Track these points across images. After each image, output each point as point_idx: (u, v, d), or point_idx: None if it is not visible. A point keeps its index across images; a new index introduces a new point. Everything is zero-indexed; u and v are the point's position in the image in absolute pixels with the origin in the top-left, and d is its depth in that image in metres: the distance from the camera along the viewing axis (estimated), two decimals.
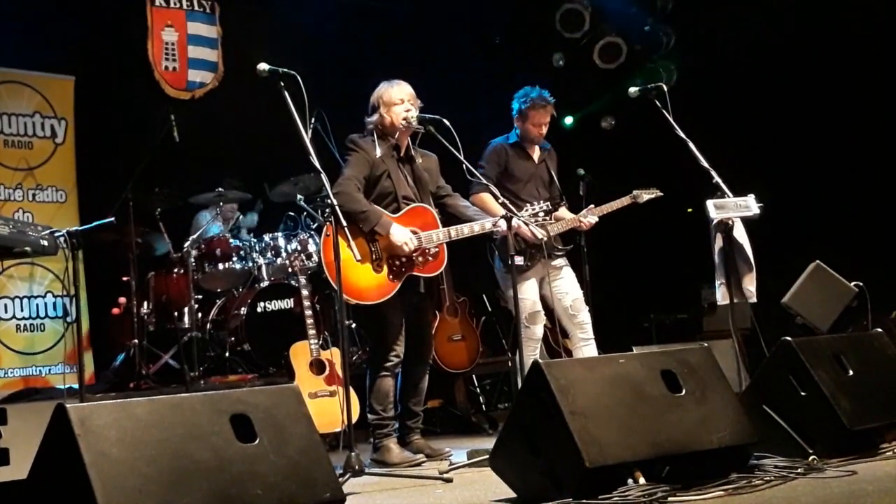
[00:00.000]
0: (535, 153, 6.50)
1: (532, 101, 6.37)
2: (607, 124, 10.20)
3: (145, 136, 7.58)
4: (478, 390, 8.16)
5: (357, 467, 4.57)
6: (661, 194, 6.65)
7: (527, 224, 5.54)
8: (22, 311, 7.54)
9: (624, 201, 6.53)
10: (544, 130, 6.42)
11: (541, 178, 6.46)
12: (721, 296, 5.36)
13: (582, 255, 6.78)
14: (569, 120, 10.07)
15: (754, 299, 5.36)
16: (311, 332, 6.35)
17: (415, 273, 5.46)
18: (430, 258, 5.50)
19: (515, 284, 5.30)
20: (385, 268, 5.41)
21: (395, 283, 5.41)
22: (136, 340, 7.13)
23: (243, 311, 7.33)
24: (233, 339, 7.38)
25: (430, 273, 5.54)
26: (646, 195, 6.59)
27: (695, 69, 9.47)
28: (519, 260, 5.97)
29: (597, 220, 6.42)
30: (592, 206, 6.47)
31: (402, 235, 5.36)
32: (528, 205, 5.58)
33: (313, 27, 8.81)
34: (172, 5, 8.63)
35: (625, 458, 3.59)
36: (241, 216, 8.29)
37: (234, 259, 7.51)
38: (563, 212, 6.53)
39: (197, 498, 2.94)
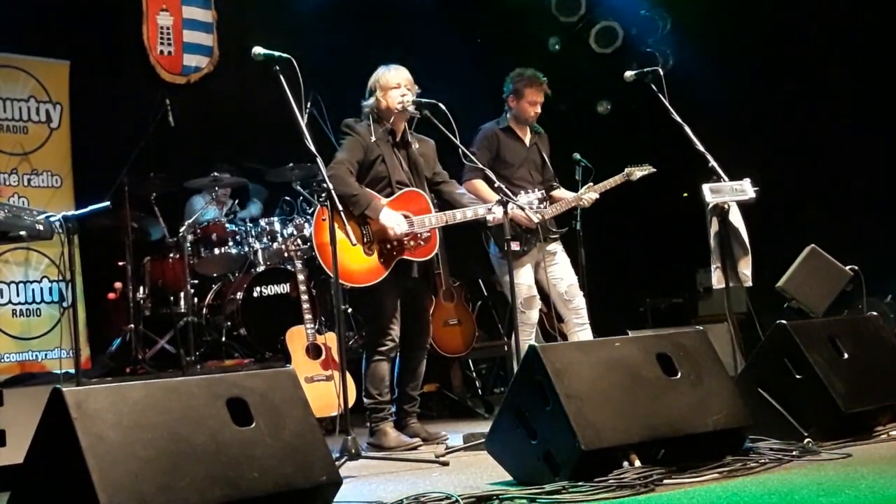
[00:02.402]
0: (527, 137, 6.49)
1: (527, 78, 6.37)
2: (603, 108, 10.19)
3: (140, 120, 7.56)
4: (474, 374, 8.19)
5: (353, 451, 4.57)
6: (655, 170, 6.64)
7: (522, 208, 5.53)
8: (18, 296, 7.53)
9: (617, 179, 6.52)
10: (539, 110, 6.41)
11: (533, 162, 6.45)
12: (716, 280, 5.37)
13: (578, 240, 6.78)
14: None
15: (750, 283, 5.37)
16: (308, 316, 6.35)
17: (405, 257, 5.46)
18: (422, 242, 5.51)
19: (511, 269, 5.30)
20: (376, 251, 5.41)
21: (385, 266, 5.41)
22: (133, 325, 7.13)
23: (239, 295, 7.33)
24: (229, 323, 7.39)
25: (422, 257, 5.54)
26: (639, 172, 6.57)
27: (691, 53, 9.45)
28: (515, 245, 5.97)
29: (598, 196, 6.42)
30: (591, 183, 6.47)
31: (391, 219, 5.37)
32: (522, 191, 5.58)
33: (308, 10, 8.78)
34: None
35: (620, 440, 3.60)
36: (236, 202, 8.26)
37: (230, 244, 7.51)
38: (561, 192, 6.53)
39: (193, 481, 2.95)
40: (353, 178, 5.43)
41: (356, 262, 5.35)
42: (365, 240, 5.40)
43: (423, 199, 5.57)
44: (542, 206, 5.63)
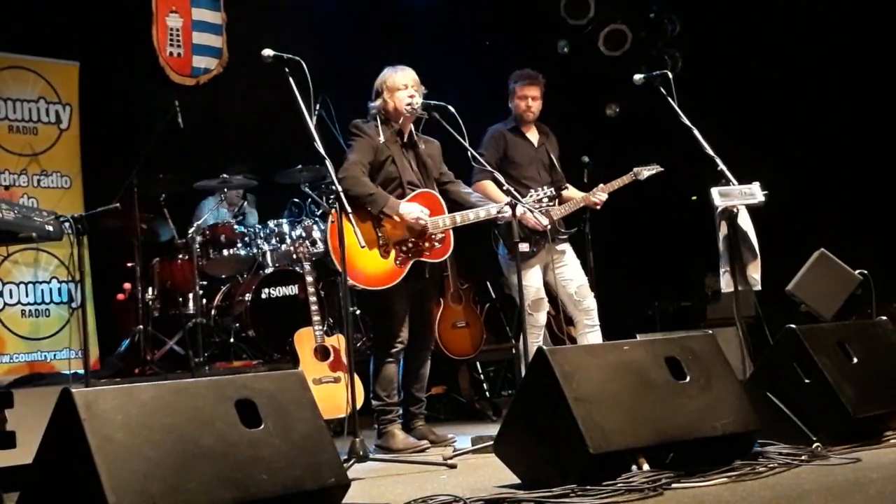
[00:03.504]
0: (534, 137, 6.51)
1: (517, 75, 6.46)
2: (612, 112, 10.18)
3: (150, 122, 7.57)
4: (481, 377, 8.17)
5: (361, 453, 4.58)
6: (662, 169, 6.64)
7: (531, 211, 5.53)
8: (27, 296, 7.54)
9: (625, 179, 6.52)
10: (532, 104, 6.43)
11: (541, 162, 6.46)
12: (725, 283, 5.36)
13: (586, 243, 6.78)
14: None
15: (758, 287, 5.36)
16: (316, 318, 6.35)
17: (421, 259, 5.47)
18: (437, 244, 5.51)
19: (520, 271, 5.30)
20: (392, 254, 5.41)
21: (401, 268, 5.41)
22: (141, 326, 7.14)
23: (248, 297, 7.33)
24: (237, 325, 7.39)
25: (437, 259, 5.54)
26: (646, 172, 6.56)
27: (700, 56, 9.45)
28: (524, 246, 5.97)
29: (606, 196, 6.42)
30: (601, 185, 6.47)
31: (413, 210, 5.37)
32: (531, 190, 5.58)
33: (318, 13, 8.80)
34: None
35: (629, 444, 3.60)
36: (245, 203, 8.28)
37: (239, 245, 7.52)
38: (571, 192, 6.54)
39: (202, 482, 2.95)
40: (367, 178, 5.43)
41: (373, 266, 5.35)
42: (381, 242, 5.39)
43: (436, 200, 5.57)
44: (551, 203, 5.62)
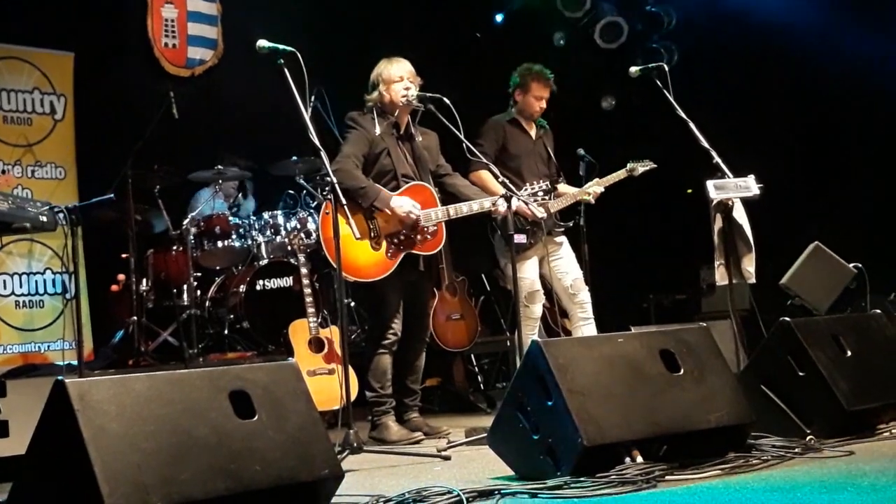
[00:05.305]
0: (532, 130, 6.51)
1: (535, 73, 6.40)
2: (608, 104, 10.18)
3: (145, 113, 7.55)
4: (476, 369, 8.18)
5: (355, 444, 4.58)
6: (655, 166, 6.65)
7: (526, 203, 5.53)
8: (21, 287, 7.52)
9: (620, 174, 6.54)
10: (544, 105, 6.42)
11: (539, 155, 6.47)
12: (720, 276, 5.36)
13: (581, 235, 6.78)
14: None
15: (753, 280, 5.36)
16: (310, 310, 6.35)
17: (413, 251, 5.46)
18: (429, 236, 5.50)
19: (514, 264, 5.30)
20: (383, 245, 5.41)
21: (392, 260, 5.41)
22: (135, 317, 7.12)
23: (242, 288, 7.32)
24: (232, 316, 7.38)
25: (429, 251, 5.54)
26: (641, 167, 6.59)
27: (696, 49, 9.44)
28: (521, 238, 5.97)
29: (602, 189, 6.43)
30: (597, 179, 6.48)
31: (404, 204, 5.36)
32: (527, 184, 5.58)
33: (313, 4, 8.78)
34: None
35: (623, 436, 3.60)
36: (241, 195, 8.27)
37: (234, 237, 7.50)
38: (565, 187, 6.55)
39: (196, 473, 2.95)
40: (360, 171, 5.43)
41: (364, 257, 5.35)
42: (372, 234, 5.39)
43: (428, 193, 5.56)
44: (546, 197, 5.62)
